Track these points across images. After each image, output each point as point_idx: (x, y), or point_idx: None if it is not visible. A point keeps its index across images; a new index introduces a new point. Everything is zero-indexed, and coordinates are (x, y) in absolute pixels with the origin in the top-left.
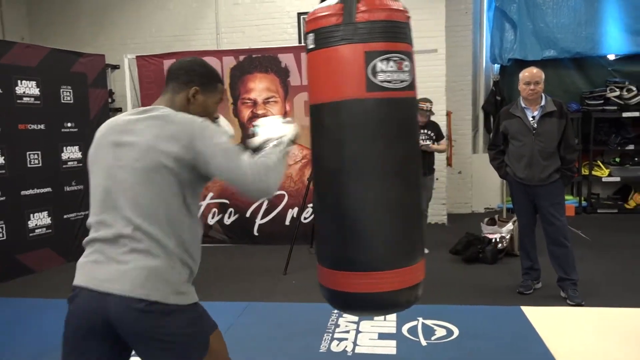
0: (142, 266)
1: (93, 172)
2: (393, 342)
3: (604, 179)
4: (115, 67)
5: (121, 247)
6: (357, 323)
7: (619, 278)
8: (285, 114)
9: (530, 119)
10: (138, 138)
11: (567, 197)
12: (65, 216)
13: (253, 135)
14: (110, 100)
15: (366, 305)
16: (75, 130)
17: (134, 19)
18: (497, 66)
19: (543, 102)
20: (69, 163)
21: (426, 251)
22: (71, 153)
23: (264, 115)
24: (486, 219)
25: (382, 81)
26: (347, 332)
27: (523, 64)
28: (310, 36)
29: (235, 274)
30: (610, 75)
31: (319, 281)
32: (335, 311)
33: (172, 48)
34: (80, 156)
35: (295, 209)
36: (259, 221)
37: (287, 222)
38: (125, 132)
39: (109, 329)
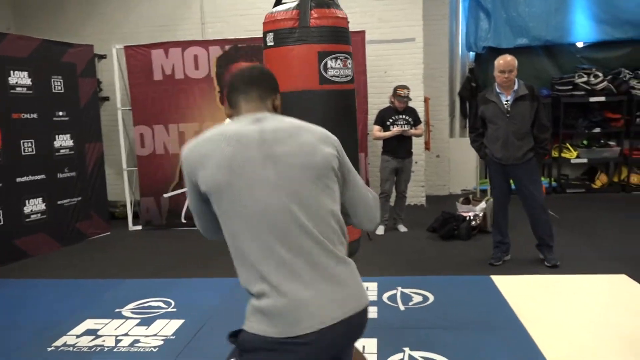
0: None
1: (237, 196)
2: (374, 308)
3: (572, 161)
4: (102, 56)
5: (323, 262)
6: None
7: (585, 250)
8: None
9: (505, 103)
10: (290, 149)
11: None
12: (59, 202)
13: None
14: (97, 89)
15: None
16: (67, 119)
17: (120, 9)
18: (472, 54)
19: (516, 87)
20: (62, 151)
21: (405, 229)
22: (63, 141)
23: None
24: (461, 199)
25: (331, 76)
26: None
27: (497, 51)
28: (270, 35)
29: (226, 254)
30: (578, 62)
31: None
32: None
33: (158, 38)
34: (72, 144)
35: None
36: None
37: None
38: (271, 144)
39: None
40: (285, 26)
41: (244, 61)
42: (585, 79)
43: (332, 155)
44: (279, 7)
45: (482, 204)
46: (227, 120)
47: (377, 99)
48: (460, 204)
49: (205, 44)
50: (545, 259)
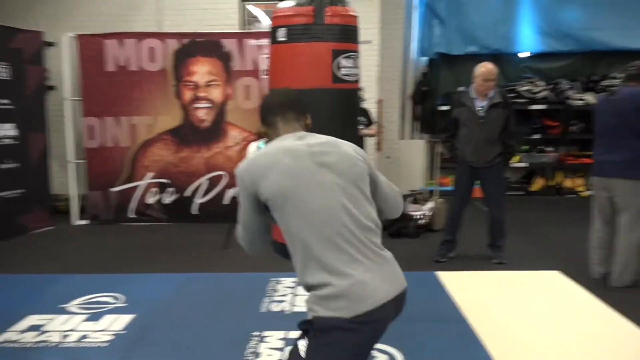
0: None
1: (300, 199)
2: None
3: (514, 165)
4: (51, 44)
5: (372, 251)
6: (294, 288)
7: (524, 248)
8: (226, 96)
9: (479, 108)
10: (336, 158)
11: None
12: (0, 194)
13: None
14: (45, 78)
15: None
16: (11, 107)
17: None
18: (425, 58)
19: (492, 94)
20: (5, 140)
21: None
22: (7, 130)
23: (206, 98)
24: (410, 198)
25: (343, 75)
26: (285, 295)
27: (448, 57)
28: (282, 30)
29: (176, 249)
30: (522, 71)
31: (275, 238)
32: (274, 278)
33: (111, 28)
34: (16, 134)
35: (234, 189)
36: (198, 200)
37: (226, 202)
38: (320, 156)
39: None
40: (299, 22)
41: (202, 56)
42: (527, 87)
43: (366, 164)
44: (289, 2)
45: (430, 204)
46: (253, 146)
47: None
48: (410, 204)
49: (162, 36)
50: (495, 257)
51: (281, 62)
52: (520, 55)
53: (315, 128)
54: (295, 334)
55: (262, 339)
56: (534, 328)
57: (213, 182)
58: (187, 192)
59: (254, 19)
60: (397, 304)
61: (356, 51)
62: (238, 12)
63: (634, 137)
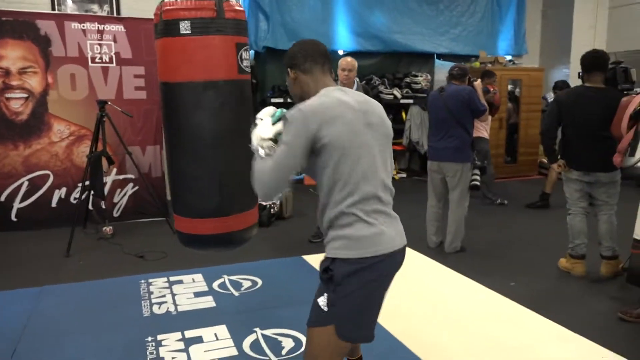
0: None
1: (354, 153)
2: (209, 297)
3: None
4: None
5: (391, 210)
6: (170, 287)
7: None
8: (47, 85)
9: None
10: (377, 120)
11: None
12: None
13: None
14: None
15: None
16: None
17: None
18: (252, 52)
19: (355, 87)
20: None
21: None
22: None
23: (19, 87)
24: None
25: (245, 66)
26: (164, 296)
27: (276, 52)
28: (185, 23)
29: (6, 262)
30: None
31: (179, 229)
32: (143, 280)
33: None
34: None
35: (64, 190)
36: (17, 205)
37: (54, 204)
38: (367, 115)
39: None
40: (203, 15)
41: (11, 38)
42: None
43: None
44: None
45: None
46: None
47: None
48: None
49: None
50: None
51: (187, 54)
52: (339, 52)
53: (225, 118)
54: (191, 333)
55: (159, 343)
56: (401, 290)
57: (35, 183)
58: (2, 197)
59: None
60: (401, 255)
61: (248, 44)
62: None
63: (461, 127)
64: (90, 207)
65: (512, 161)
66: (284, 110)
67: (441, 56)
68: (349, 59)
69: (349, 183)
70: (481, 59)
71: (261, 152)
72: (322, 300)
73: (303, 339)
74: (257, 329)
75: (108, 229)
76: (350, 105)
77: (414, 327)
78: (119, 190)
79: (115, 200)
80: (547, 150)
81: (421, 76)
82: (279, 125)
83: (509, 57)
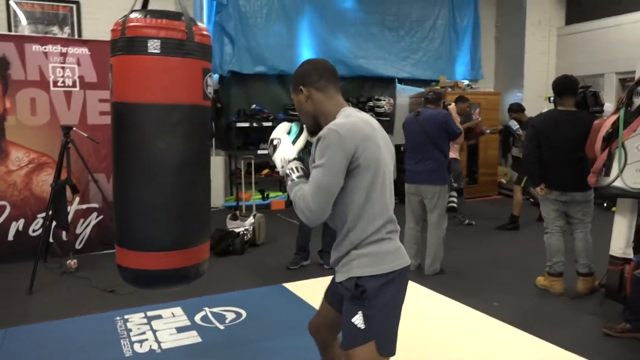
0: None
1: (381, 174)
2: (194, 332)
3: None
4: None
5: None
6: (149, 323)
7: None
8: (4, 111)
9: None
10: (386, 142)
11: (276, 193)
12: None
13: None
14: None
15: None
16: None
17: None
18: (217, 76)
19: None
20: None
21: None
22: None
23: None
24: (229, 215)
25: (209, 92)
26: (144, 333)
27: (239, 75)
28: (154, 42)
29: None
30: None
31: (122, 263)
32: (119, 317)
33: None
34: None
35: (22, 221)
36: None
37: (11, 237)
38: (380, 133)
39: None
40: (173, 36)
41: None
42: None
43: None
44: (153, 14)
45: (250, 219)
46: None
47: None
48: (230, 220)
49: None
50: (325, 263)
51: (153, 74)
52: None
53: (190, 143)
54: None
55: None
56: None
57: None
58: None
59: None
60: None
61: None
62: (5, 11)
63: (438, 150)
64: (50, 239)
65: (472, 182)
66: (298, 123)
67: (402, 81)
68: None
69: (378, 205)
70: (441, 83)
71: (293, 175)
72: (358, 319)
73: None
74: None
75: (72, 262)
76: (373, 126)
77: (407, 351)
78: (81, 220)
79: (78, 231)
80: (530, 174)
81: (384, 100)
82: (301, 142)
83: (466, 82)
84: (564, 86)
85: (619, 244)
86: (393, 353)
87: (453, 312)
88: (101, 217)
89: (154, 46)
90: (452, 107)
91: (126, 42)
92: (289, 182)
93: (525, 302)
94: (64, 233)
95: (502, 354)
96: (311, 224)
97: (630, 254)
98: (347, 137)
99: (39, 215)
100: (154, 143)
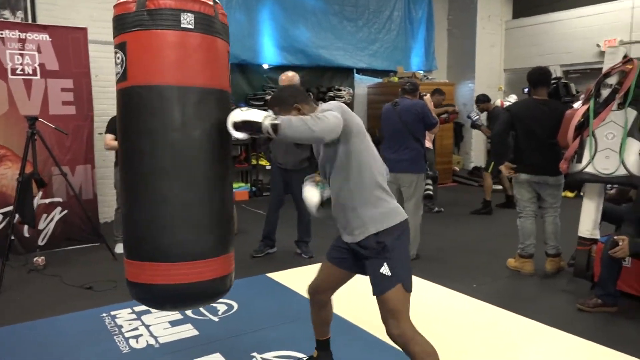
0: None
1: (368, 141)
2: (189, 325)
3: (267, 167)
4: None
5: None
6: (139, 318)
7: (324, 243)
8: None
9: None
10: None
11: (239, 184)
12: None
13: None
14: None
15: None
16: None
17: None
18: None
19: None
20: None
21: None
22: None
23: None
24: None
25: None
26: (136, 328)
27: None
28: (189, 16)
29: None
30: (265, 81)
31: (132, 279)
32: (105, 313)
33: None
34: None
35: None
36: None
37: None
38: None
39: None
40: (205, 12)
41: None
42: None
43: None
44: None
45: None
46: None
47: (98, 105)
48: None
49: None
50: (303, 252)
51: (187, 52)
52: (264, 66)
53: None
54: None
55: None
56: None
57: None
58: None
59: None
60: None
61: None
62: None
63: (415, 140)
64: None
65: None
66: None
67: (360, 71)
68: (289, 73)
69: (374, 162)
70: (399, 74)
71: (278, 120)
72: (385, 269)
73: (304, 357)
74: (255, 354)
75: (40, 259)
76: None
77: None
78: (44, 215)
79: (41, 226)
80: (495, 153)
81: (344, 90)
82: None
83: (422, 73)
84: (539, 77)
85: (587, 225)
86: (412, 288)
87: (434, 294)
88: (65, 211)
89: (187, 20)
90: (428, 97)
91: (150, 16)
92: (279, 122)
93: (500, 283)
94: (25, 229)
95: (486, 331)
96: (323, 134)
97: (597, 235)
98: (336, 105)
99: (1, 211)
100: (188, 132)
